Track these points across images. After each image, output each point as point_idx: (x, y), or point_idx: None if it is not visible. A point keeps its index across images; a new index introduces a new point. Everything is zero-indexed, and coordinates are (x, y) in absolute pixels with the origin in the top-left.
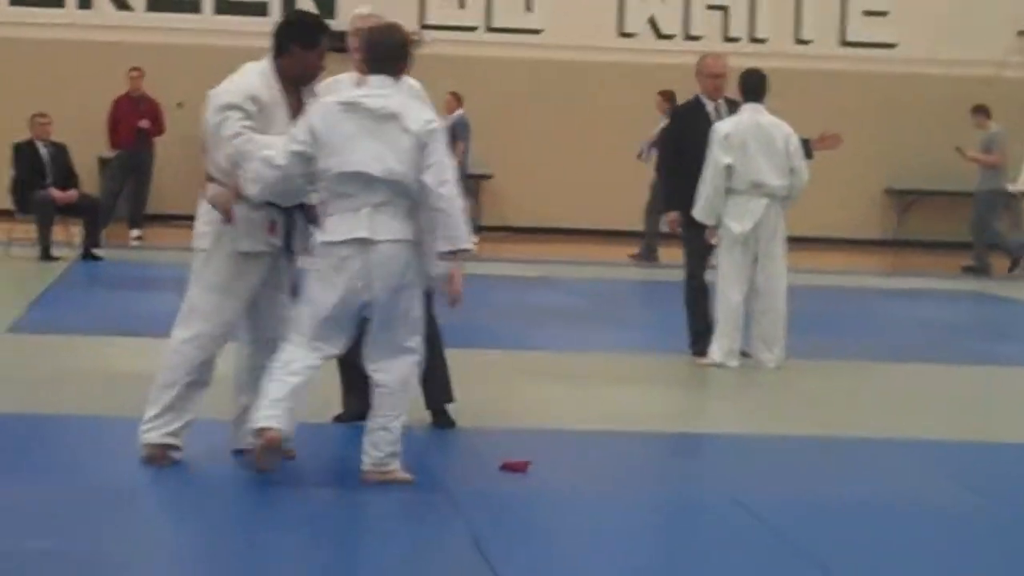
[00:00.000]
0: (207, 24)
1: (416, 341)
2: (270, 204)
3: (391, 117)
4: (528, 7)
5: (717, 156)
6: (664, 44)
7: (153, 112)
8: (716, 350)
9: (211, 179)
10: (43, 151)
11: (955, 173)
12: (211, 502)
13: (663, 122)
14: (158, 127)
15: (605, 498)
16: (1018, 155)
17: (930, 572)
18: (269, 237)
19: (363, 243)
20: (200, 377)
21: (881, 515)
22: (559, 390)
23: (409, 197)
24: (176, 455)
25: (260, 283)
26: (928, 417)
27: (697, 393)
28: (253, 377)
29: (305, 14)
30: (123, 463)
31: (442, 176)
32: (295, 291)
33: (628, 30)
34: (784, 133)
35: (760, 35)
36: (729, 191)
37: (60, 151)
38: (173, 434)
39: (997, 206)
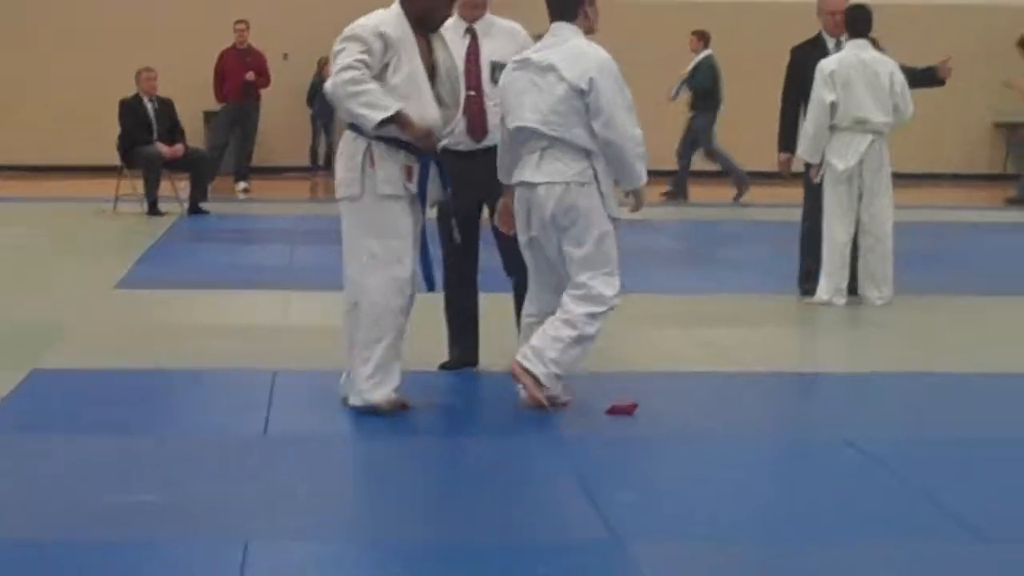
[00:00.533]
0: None
1: (588, 276)
2: (406, 149)
3: (550, 68)
4: None
5: (821, 93)
6: None
7: (259, 65)
8: (823, 289)
9: (350, 127)
10: (149, 106)
11: None
12: (320, 451)
13: (695, 61)
14: (264, 80)
15: (713, 439)
16: None
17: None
18: (406, 183)
19: (528, 186)
20: (404, 321)
21: (995, 451)
22: (664, 332)
23: (573, 142)
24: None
25: (409, 227)
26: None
27: (805, 332)
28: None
29: None
30: (235, 414)
31: (608, 121)
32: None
33: None
34: (888, 69)
35: None
36: (833, 128)
37: (166, 105)
38: (397, 389)
39: None
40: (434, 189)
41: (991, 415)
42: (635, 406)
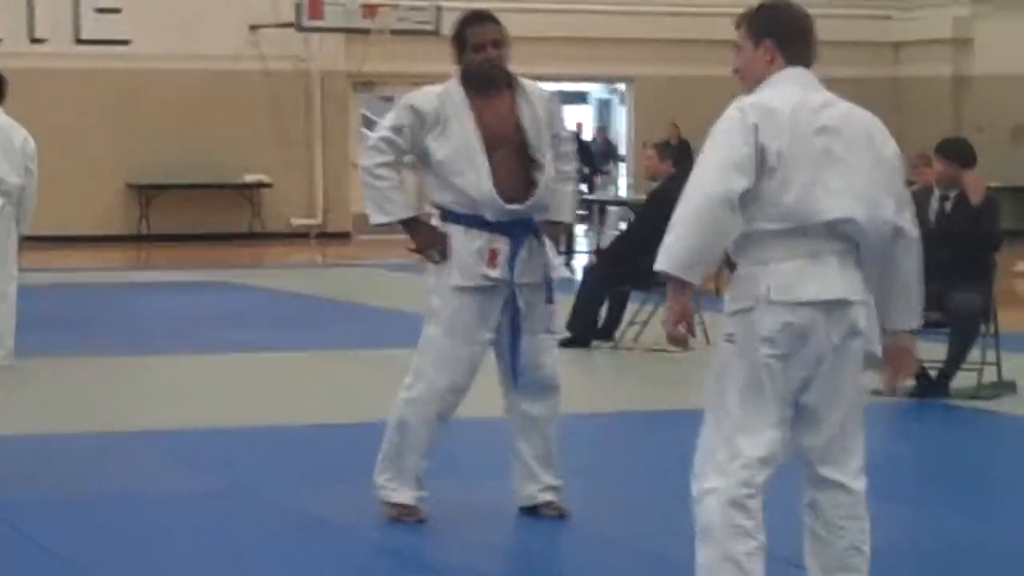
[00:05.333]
0: None
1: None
2: (489, 229)
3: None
4: None
5: None
6: None
7: None
8: None
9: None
10: None
11: (194, 166)
12: None
13: None
14: None
15: None
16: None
17: (175, 556)
18: (487, 269)
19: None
20: (437, 427)
21: (126, 506)
22: None
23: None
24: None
25: (489, 323)
26: (169, 407)
27: None
28: (522, 426)
29: (465, 15)
30: None
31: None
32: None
33: None
34: (21, 134)
35: None
36: None
37: None
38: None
39: None
40: (528, 270)
41: (128, 472)
42: None
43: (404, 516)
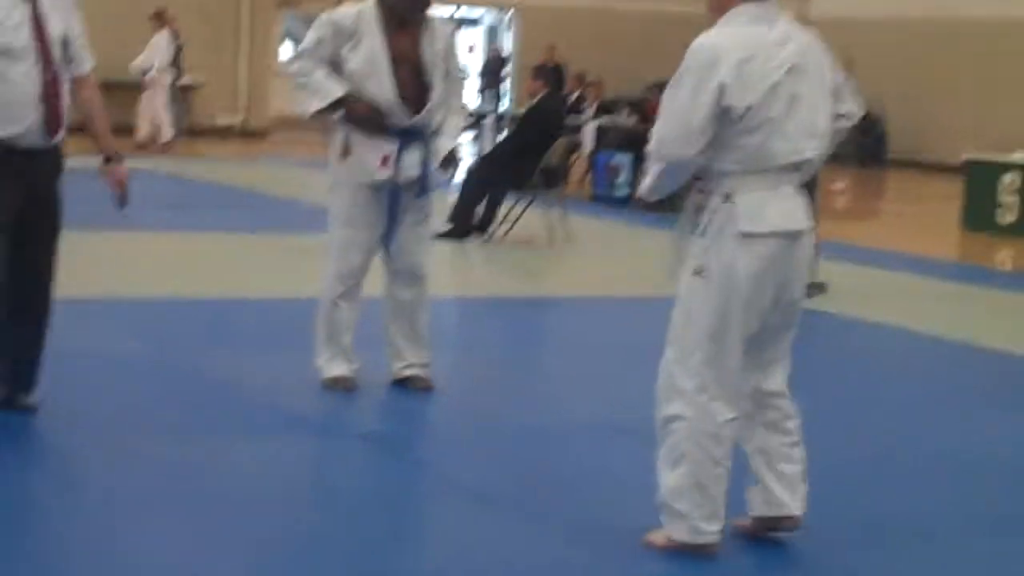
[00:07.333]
0: None
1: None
2: (383, 135)
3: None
4: None
5: None
6: None
7: None
8: None
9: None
10: None
11: None
12: None
13: None
14: None
15: None
16: None
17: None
18: (379, 169)
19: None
20: (345, 306)
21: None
22: None
23: None
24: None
25: (383, 215)
26: (109, 278)
27: None
28: (393, 309)
29: None
30: None
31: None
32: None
33: None
34: None
35: None
36: None
37: None
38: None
39: None
40: (409, 172)
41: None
42: None
43: (338, 386)
